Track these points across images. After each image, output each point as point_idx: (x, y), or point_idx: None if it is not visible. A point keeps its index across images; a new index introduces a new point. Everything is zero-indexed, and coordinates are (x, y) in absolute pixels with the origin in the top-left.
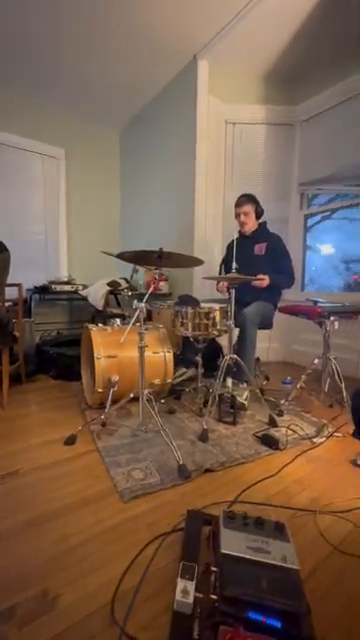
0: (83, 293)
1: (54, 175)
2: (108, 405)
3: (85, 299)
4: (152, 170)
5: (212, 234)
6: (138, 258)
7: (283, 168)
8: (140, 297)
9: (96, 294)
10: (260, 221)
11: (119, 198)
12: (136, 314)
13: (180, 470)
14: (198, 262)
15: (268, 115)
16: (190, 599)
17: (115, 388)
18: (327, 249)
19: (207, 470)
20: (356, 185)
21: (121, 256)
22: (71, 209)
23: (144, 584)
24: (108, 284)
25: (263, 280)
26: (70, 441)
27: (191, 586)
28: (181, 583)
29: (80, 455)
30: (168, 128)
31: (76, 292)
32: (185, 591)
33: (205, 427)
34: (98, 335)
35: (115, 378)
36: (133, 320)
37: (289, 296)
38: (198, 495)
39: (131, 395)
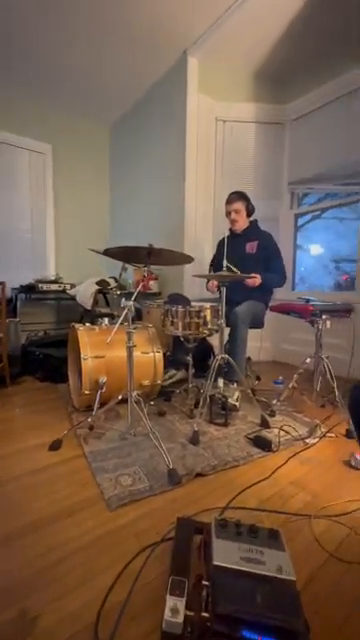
0: (71, 292)
1: (40, 171)
2: (95, 408)
3: (73, 298)
4: (142, 168)
5: (202, 232)
6: (127, 255)
7: (273, 167)
8: (129, 296)
9: (84, 293)
10: (251, 219)
11: (108, 196)
12: (124, 313)
13: (170, 475)
14: (188, 259)
15: (258, 113)
16: (180, 618)
17: (103, 390)
18: (317, 248)
19: (198, 474)
20: (346, 184)
21: (109, 253)
22: (59, 206)
23: (131, 601)
24: (97, 283)
25: (255, 279)
26: (55, 446)
27: (181, 604)
28: (170, 600)
29: (65, 461)
30: (158, 125)
31: (64, 291)
32: (174, 609)
33: (196, 429)
34: (85, 335)
35: (103, 379)
36: (121, 319)
37: (280, 295)
38: (189, 501)
39: (119, 397)
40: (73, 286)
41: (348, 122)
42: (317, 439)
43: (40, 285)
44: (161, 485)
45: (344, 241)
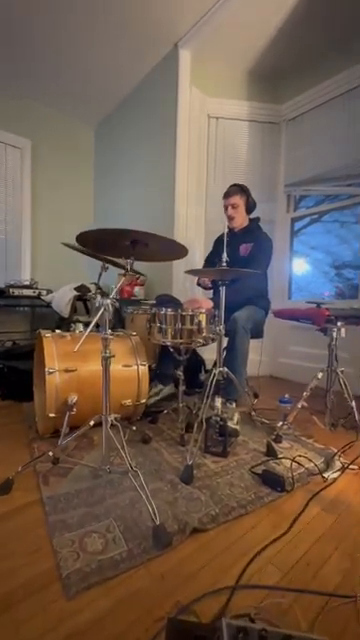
0: (47, 298)
1: (17, 167)
2: (62, 434)
3: (49, 305)
4: (129, 169)
5: (194, 235)
6: (106, 247)
7: (268, 168)
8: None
9: (61, 300)
10: (252, 217)
11: (92, 196)
12: (99, 313)
13: (156, 534)
14: (181, 251)
15: (253, 112)
16: None
17: (73, 412)
18: (316, 254)
19: (194, 530)
20: (348, 185)
21: (83, 241)
22: (38, 206)
23: None
24: (76, 289)
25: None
26: (3, 489)
27: None
28: None
29: (14, 512)
30: (147, 123)
31: (38, 297)
32: None
33: (189, 463)
34: (52, 343)
35: (73, 398)
36: (94, 321)
37: (277, 304)
38: (183, 576)
39: (91, 423)
40: (50, 292)
41: (348, 120)
42: (338, 473)
43: (11, 290)
44: (144, 549)
45: (346, 246)
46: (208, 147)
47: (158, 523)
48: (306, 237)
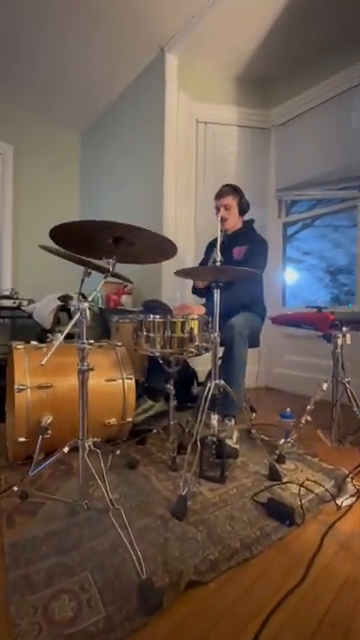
0: (28, 309)
1: None
2: (34, 463)
3: (30, 316)
4: (116, 175)
5: (184, 241)
6: (87, 248)
7: (258, 173)
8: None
9: (43, 310)
10: (246, 219)
11: (78, 202)
12: (75, 318)
13: (143, 593)
14: (170, 248)
15: (241, 117)
16: None
17: (47, 435)
18: (310, 260)
19: (191, 582)
20: (341, 189)
21: (61, 240)
22: (20, 212)
23: None
24: (59, 299)
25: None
26: None
27: None
28: None
29: None
30: (134, 129)
31: (19, 308)
32: None
33: (182, 493)
34: (25, 356)
35: (47, 420)
36: (69, 327)
37: (269, 313)
38: None
39: (65, 449)
40: (31, 302)
41: (339, 123)
42: (353, 498)
43: None
44: (126, 616)
45: (340, 250)
46: (197, 152)
47: (145, 577)
48: (299, 242)
